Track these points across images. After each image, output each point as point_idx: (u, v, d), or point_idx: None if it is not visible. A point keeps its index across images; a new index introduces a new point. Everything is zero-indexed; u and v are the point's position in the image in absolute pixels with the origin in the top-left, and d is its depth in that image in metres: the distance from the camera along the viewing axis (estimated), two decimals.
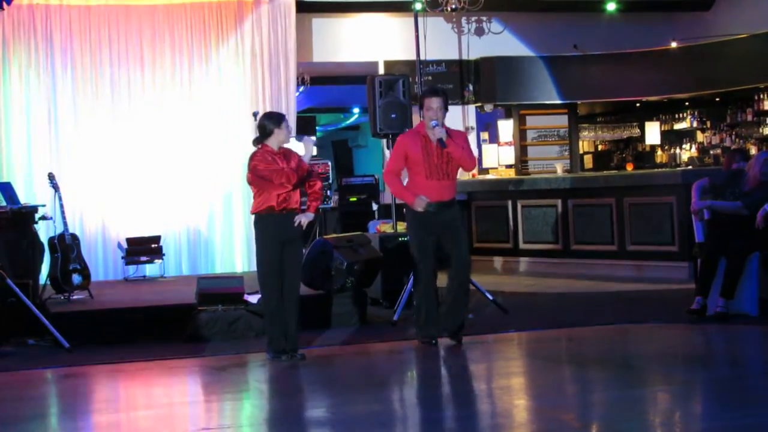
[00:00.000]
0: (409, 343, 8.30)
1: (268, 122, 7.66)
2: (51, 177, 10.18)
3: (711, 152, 16.14)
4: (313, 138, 7.73)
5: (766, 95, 14.81)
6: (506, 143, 15.07)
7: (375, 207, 12.91)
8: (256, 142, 7.72)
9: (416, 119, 10.27)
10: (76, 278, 9.96)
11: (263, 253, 7.59)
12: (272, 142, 7.63)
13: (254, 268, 12.17)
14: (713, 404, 6.05)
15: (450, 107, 8.27)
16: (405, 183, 8.09)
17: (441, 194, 7.93)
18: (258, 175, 7.53)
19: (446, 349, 7.86)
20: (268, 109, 12.79)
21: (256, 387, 7.18)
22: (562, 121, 15.58)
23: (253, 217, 7.69)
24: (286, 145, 7.71)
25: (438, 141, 7.83)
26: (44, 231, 10.44)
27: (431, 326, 7.98)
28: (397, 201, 10.38)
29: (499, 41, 14.68)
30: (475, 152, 14.27)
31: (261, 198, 7.58)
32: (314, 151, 7.94)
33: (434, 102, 7.91)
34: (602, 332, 8.63)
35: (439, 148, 7.88)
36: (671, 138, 16.84)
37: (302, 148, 7.88)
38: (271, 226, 7.54)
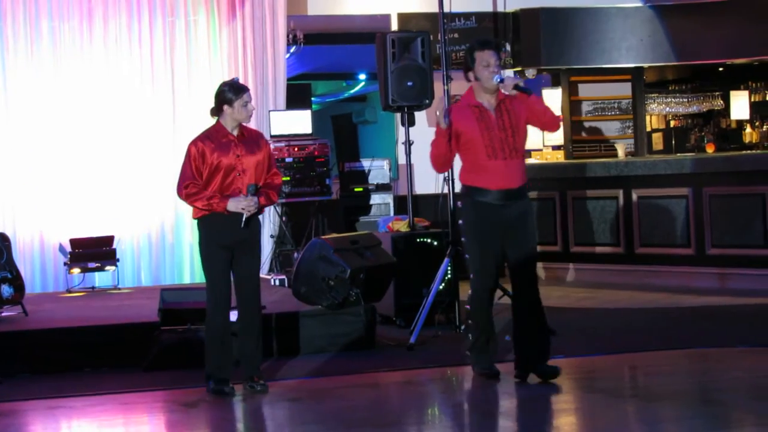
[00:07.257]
0: (430, 371, 8.27)
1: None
2: None
3: None
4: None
5: None
6: None
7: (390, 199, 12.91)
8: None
9: (438, 88, 10.26)
10: (5, 290, 9.96)
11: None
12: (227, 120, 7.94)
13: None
14: None
15: None
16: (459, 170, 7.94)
17: (509, 179, 7.69)
18: None
19: (477, 381, 7.83)
20: (249, 76, 12.81)
21: (234, 428, 7.14)
22: (624, 90, 15.53)
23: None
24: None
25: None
26: None
27: (488, 354, 7.91)
28: (417, 192, 10.31)
29: None
30: None
31: None
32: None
33: (492, 57, 7.64)
34: (676, 359, 8.61)
35: (500, 119, 7.65)
36: (763, 111, 16.77)
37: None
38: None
